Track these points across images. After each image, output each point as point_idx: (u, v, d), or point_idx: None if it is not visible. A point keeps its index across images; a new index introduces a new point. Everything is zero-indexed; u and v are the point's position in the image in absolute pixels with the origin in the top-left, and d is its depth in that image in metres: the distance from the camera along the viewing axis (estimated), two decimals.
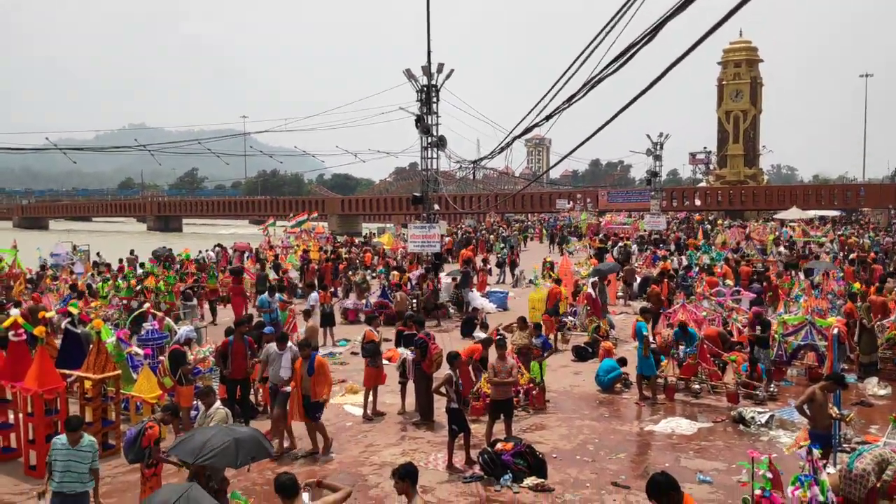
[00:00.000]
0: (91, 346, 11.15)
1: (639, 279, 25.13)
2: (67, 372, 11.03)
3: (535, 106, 11.25)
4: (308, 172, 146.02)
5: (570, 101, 9.97)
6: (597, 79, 8.63)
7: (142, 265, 30.39)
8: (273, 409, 11.06)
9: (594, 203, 74.14)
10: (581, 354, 16.73)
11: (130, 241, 52.38)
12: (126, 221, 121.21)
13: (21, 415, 10.39)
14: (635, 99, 7.75)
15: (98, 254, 33.75)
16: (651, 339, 13.71)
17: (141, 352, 12.78)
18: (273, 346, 11.13)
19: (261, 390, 12.51)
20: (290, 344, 11.22)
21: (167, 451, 7.95)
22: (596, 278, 19.88)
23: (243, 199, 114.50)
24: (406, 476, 6.00)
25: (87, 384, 10.66)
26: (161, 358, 12.64)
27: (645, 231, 47.35)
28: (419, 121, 24.27)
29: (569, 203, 72.02)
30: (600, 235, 43.85)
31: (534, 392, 12.78)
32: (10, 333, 10.71)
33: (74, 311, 13.72)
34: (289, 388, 10.71)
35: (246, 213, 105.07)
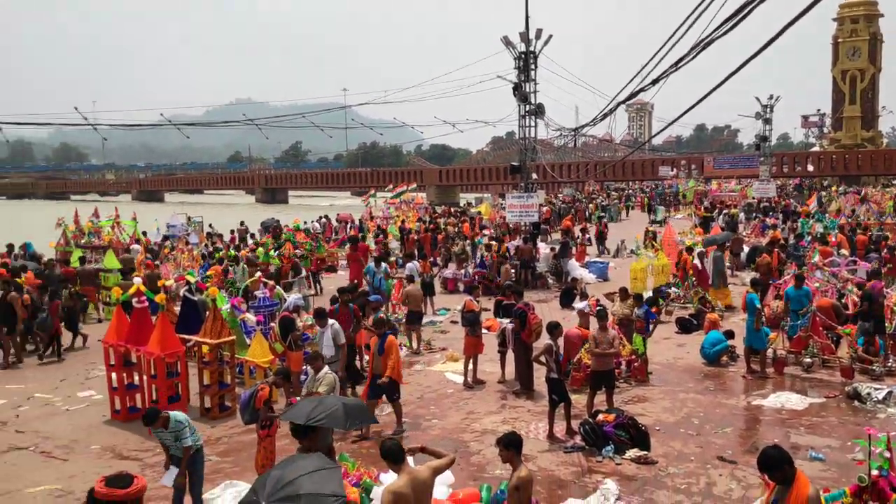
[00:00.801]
0: (208, 312, 11.80)
1: (747, 249, 24.21)
2: (186, 337, 11.70)
3: (641, 69, 10.93)
4: (407, 144, 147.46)
5: (678, 63, 9.61)
6: (708, 39, 8.27)
7: (251, 236, 31.72)
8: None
9: (699, 169, 71.55)
10: (685, 326, 16.33)
11: (240, 213, 54.60)
12: (235, 194, 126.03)
13: (145, 376, 11.11)
14: (749, 60, 7.42)
15: (210, 225, 35.37)
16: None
17: (253, 318, 13.38)
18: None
19: (367, 355, 12.85)
20: (331, 321, 11.21)
21: (280, 415, 8.36)
22: (703, 249, 19.30)
23: (345, 171, 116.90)
24: (510, 445, 6.07)
25: (205, 349, 11.29)
26: (272, 324, 13.21)
27: (753, 198, 45.41)
28: (517, 89, 24.01)
29: (672, 170, 69.81)
30: (705, 203, 42.39)
31: (636, 364, 12.61)
32: (134, 300, 11.43)
33: (192, 279, 14.48)
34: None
35: (347, 185, 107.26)
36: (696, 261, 18.81)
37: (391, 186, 47.94)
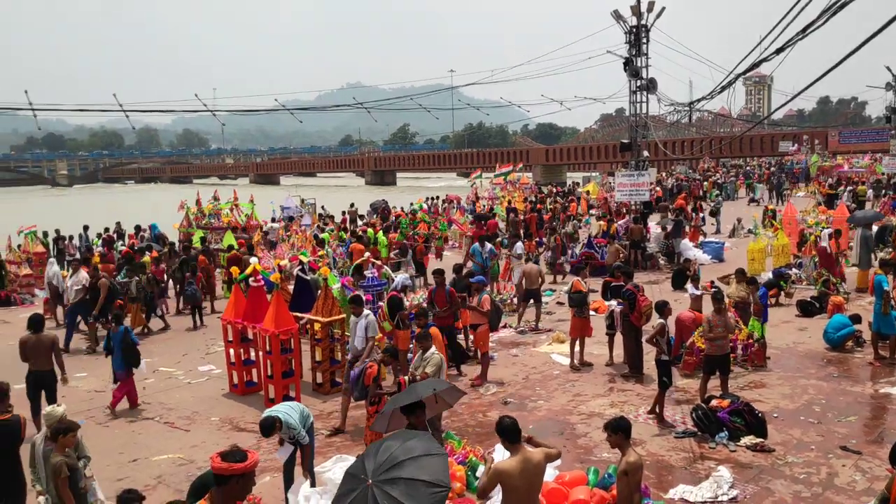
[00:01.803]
0: (319, 291, 12.15)
1: (875, 228, 22.66)
2: (299, 315, 12.10)
3: (763, 39, 10.30)
4: (513, 123, 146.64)
5: (806, 29, 8.95)
6: (839, 4, 7.66)
7: (361, 217, 32.45)
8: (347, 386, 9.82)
9: (823, 144, 67.45)
10: (807, 309, 15.49)
11: (351, 195, 55.95)
12: (346, 176, 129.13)
13: (261, 353, 11.59)
14: (888, 24, 6.81)
15: (323, 207, 36.41)
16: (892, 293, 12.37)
17: (363, 297, 13.66)
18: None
19: (472, 335, 12.91)
20: (366, 311, 10.29)
21: (388, 392, 8.53)
22: (831, 229, 18.22)
23: (451, 152, 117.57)
24: (619, 429, 5.93)
25: (317, 326, 11.64)
26: (380, 304, 13.45)
27: (883, 174, 42.39)
28: (628, 64, 23.37)
29: (793, 145, 66.09)
30: (830, 180, 39.95)
31: (753, 348, 12.08)
32: (250, 279, 11.91)
33: (305, 259, 14.94)
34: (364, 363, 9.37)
35: (454, 166, 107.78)
36: (824, 241, 17.82)
37: (497, 166, 47.75)
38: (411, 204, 34.45)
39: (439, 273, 12.87)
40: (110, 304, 14.53)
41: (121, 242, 24.39)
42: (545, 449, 5.80)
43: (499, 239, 22.26)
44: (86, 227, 27.36)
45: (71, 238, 25.77)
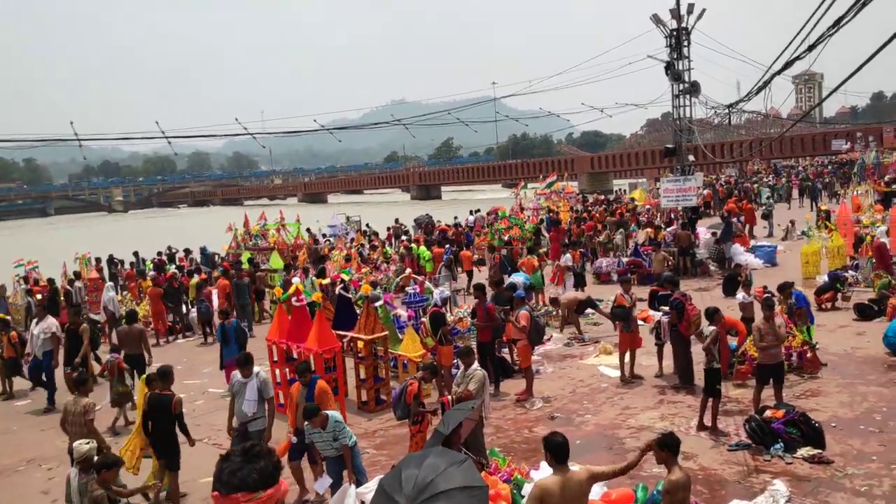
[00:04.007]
0: (361, 309, 12.16)
1: None
2: (342, 333, 12.12)
3: (796, 35, 9.96)
4: (556, 132, 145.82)
5: (837, 24, 8.62)
6: None
7: (405, 232, 32.55)
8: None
9: (877, 141, 65.35)
10: (865, 313, 14.91)
11: (396, 210, 56.26)
12: (392, 192, 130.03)
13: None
14: None
15: (367, 224, 36.64)
16: None
17: (405, 314, 13.66)
18: (237, 375, 8.74)
19: (515, 349, 12.75)
20: (256, 370, 8.70)
21: (430, 410, 8.45)
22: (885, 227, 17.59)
23: (495, 163, 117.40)
24: (665, 446, 5.74)
25: (360, 344, 11.65)
26: (423, 319, 13.42)
27: None
28: (669, 67, 22.97)
29: (846, 143, 64.22)
30: (886, 178, 38.62)
31: (808, 355, 11.66)
32: (293, 299, 11.98)
33: (346, 277, 15.01)
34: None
35: (498, 178, 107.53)
36: (883, 239, 17.21)
37: (542, 176, 47.47)
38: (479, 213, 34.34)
39: (479, 288, 12.75)
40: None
41: (172, 266, 24.91)
42: (593, 468, 5.65)
43: (543, 249, 22.09)
44: (135, 253, 28.07)
45: (123, 263, 26.43)
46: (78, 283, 20.72)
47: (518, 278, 16.17)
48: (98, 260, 24.81)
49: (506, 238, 25.74)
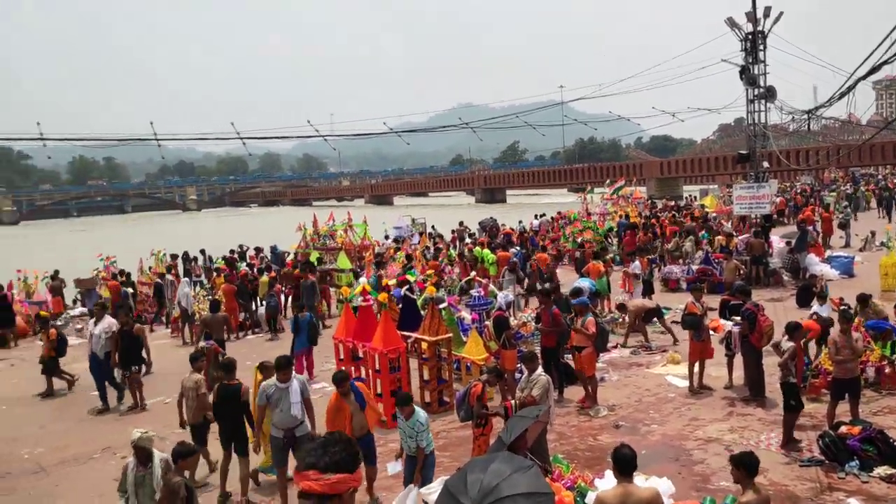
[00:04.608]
0: (426, 310, 12.24)
1: None
2: (407, 334, 12.22)
3: (884, 39, 9.60)
4: (625, 137, 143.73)
5: None
6: None
7: (471, 235, 32.59)
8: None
9: None
10: None
11: (461, 213, 56.42)
12: (457, 195, 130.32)
13: (370, 371, 11.77)
14: None
15: (433, 226, 36.82)
16: None
17: (469, 316, 13.68)
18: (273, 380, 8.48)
19: (577, 356, 12.61)
20: (295, 374, 8.66)
21: (493, 412, 8.45)
22: None
23: (561, 167, 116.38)
24: (740, 464, 5.61)
25: (424, 345, 11.73)
26: (486, 323, 13.42)
27: None
28: (744, 72, 22.39)
29: None
30: None
31: (886, 370, 11.19)
32: (359, 299, 12.15)
33: (411, 279, 15.13)
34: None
35: (565, 182, 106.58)
36: None
37: (609, 181, 46.86)
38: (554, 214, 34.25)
39: (544, 293, 12.66)
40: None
41: (243, 263, 25.54)
42: (659, 491, 5.56)
43: (609, 256, 21.82)
44: (203, 251, 29.04)
45: (196, 259, 27.24)
46: (169, 277, 21.42)
47: (584, 283, 15.96)
48: (174, 256, 25.65)
49: (579, 240, 25.61)
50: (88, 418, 12.94)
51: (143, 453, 6.74)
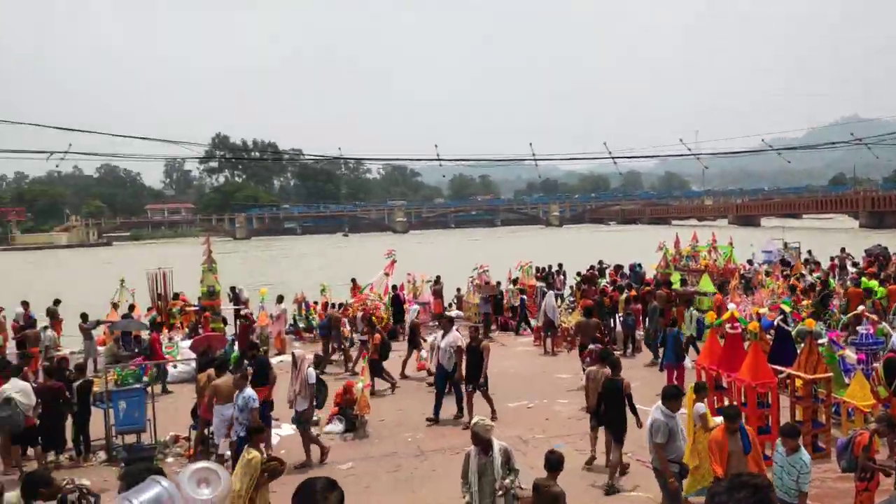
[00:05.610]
0: (802, 345, 11.31)
1: None
2: (779, 368, 11.41)
3: None
4: None
5: None
6: None
7: (854, 264, 29.09)
8: None
9: None
10: None
11: (841, 238, 50.72)
12: (835, 217, 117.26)
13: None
14: None
15: (809, 251, 33.63)
16: None
17: (854, 356, 12.32)
18: None
19: None
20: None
21: (883, 467, 7.54)
22: None
23: None
24: None
25: (798, 383, 10.85)
26: (875, 365, 11.95)
27: None
28: None
29: None
30: None
31: None
32: (727, 326, 11.65)
33: (787, 308, 14.08)
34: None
35: None
36: None
37: None
38: None
39: None
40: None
41: (603, 280, 26.04)
42: None
43: None
44: (560, 265, 29.95)
45: (558, 272, 28.46)
46: (541, 285, 22.98)
47: None
48: (539, 269, 27.08)
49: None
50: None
51: (480, 441, 7.10)
